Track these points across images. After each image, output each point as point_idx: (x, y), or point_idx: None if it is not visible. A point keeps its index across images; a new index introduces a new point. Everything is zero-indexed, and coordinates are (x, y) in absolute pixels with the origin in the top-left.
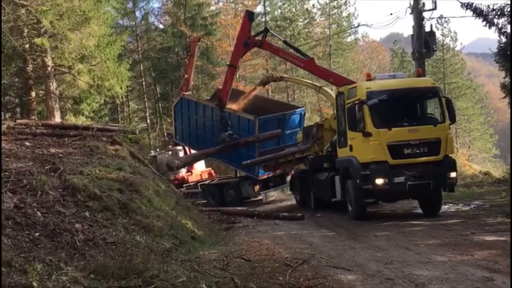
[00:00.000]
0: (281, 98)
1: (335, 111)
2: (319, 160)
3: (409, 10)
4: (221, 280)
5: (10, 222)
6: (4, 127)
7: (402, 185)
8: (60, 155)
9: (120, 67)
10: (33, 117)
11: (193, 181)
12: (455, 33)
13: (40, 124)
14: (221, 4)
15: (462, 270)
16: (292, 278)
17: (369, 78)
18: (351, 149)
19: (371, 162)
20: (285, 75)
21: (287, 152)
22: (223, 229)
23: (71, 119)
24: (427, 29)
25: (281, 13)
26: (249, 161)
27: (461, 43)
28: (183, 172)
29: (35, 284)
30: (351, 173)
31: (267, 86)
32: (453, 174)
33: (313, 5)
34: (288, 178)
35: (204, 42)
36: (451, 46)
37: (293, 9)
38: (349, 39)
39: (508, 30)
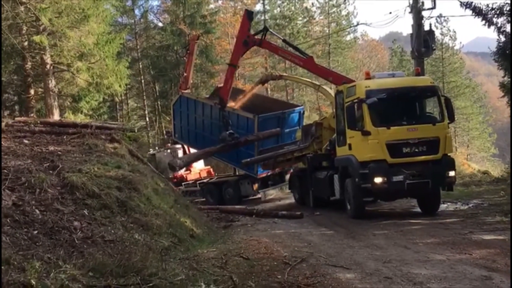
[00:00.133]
0: (280, 96)
1: (334, 110)
2: (318, 158)
3: (408, 9)
4: (219, 279)
5: (8, 220)
6: (2, 124)
7: (400, 184)
8: (59, 153)
9: (119, 65)
10: (31, 114)
11: (192, 179)
12: (454, 32)
13: (38, 121)
14: (220, 2)
15: (461, 269)
16: (291, 277)
17: (368, 77)
18: (350, 147)
19: (370, 161)
20: (284, 74)
21: (286, 150)
22: (222, 228)
23: (70, 117)
24: (426, 28)
25: (280, 11)
26: (248, 159)
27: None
28: (182, 170)
29: (33, 282)
30: (350, 172)
31: (266, 84)
32: (451, 173)
33: (312, 4)
34: (287, 176)
35: (203, 40)
36: (450, 45)
37: (292, 8)
38: (348, 38)
39: (507, 29)
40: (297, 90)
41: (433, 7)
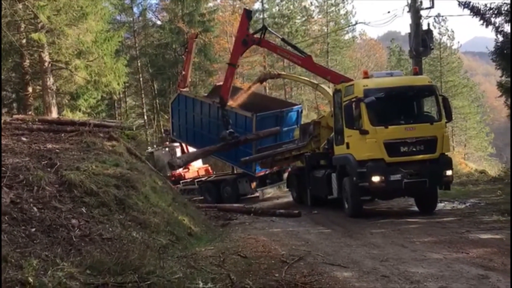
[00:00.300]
0: (279, 95)
1: (332, 109)
2: (316, 157)
3: (407, 8)
4: (217, 277)
5: (6, 218)
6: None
7: (398, 182)
8: (57, 150)
9: (118, 63)
10: (29, 112)
11: (190, 178)
12: (452, 31)
13: (36, 119)
14: (219, 0)
15: (457, 267)
16: (288, 275)
17: (366, 76)
18: (348, 146)
19: (368, 160)
20: (283, 72)
21: (284, 149)
22: (220, 226)
23: (68, 115)
24: (425, 27)
25: (279, 10)
26: (247, 157)
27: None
28: (180, 169)
29: (31, 279)
30: (347, 171)
31: (264, 83)
32: (449, 172)
33: (311, 3)
34: (285, 175)
35: (201, 38)
36: (448, 44)
37: (291, 7)
38: (346, 37)
39: (505, 29)
40: (295, 89)
41: (432, 7)
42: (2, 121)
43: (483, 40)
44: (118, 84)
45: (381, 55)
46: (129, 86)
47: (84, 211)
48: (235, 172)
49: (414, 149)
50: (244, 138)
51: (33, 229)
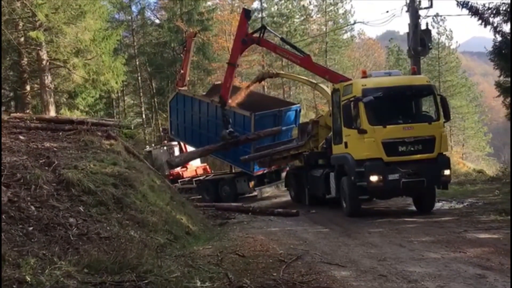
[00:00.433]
0: (277, 94)
1: (330, 108)
2: (314, 156)
3: (405, 8)
4: (215, 276)
5: (3, 216)
6: None
7: (396, 182)
8: (55, 149)
9: (116, 62)
10: (27, 111)
11: (188, 177)
12: (451, 31)
13: (34, 118)
14: None
15: (455, 267)
16: (286, 274)
17: (364, 75)
18: (346, 146)
19: (366, 159)
20: (281, 72)
21: (283, 148)
22: (218, 225)
23: (66, 113)
24: (423, 27)
25: (277, 9)
26: (246, 156)
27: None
28: (178, 168)
29: (28, 278)
30: (346, 170)
31: (263, 82)
32: (447, 172)
33: (309, 2)
34: (283, 174)
35: (200, 37)
36: (447, 44)
37: (290, 6)
38: (345, 36)
39: (503, 29)
40: (293, 88)
41: (430, 6)
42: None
43: (481, 40)
44: (116, 82)
45: (380, 55)
46: (127, 84)
47: (82, 210)
48: (233, 171)
49: (412, 149)
50: (245, 137)
51: (31, 228)
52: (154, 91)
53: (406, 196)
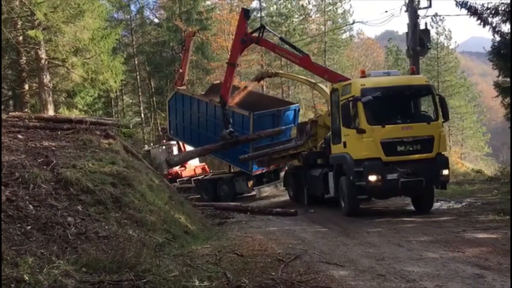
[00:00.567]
0: (276, 94)
1: (329, 108)
2: (312, 156)
3: (404, 8)
4: (213, 275)
5: (2, 215)
6: None
7: (395, 182)
8: (53, 148)
9: (115, 61)
10: (26, 110)
11: (187, 176)
12: (450, 31)
13: (33, 117)
14: None
15: (453, 266)
16: (285, 273)
17: (363, 75)
18: (344, 145)
19: (365, 159)
20: (280, 71)
21: (281, 148)
22: (216, 224)
23: (65, 113)
24: (422, 27)
25: (276, 9)
26: (246, 155)
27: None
28: (176, 167)
29: (26, 277)
30: (344, 170)
31: (261, 81)
32: (445, 172)
33: (308, 2)
34: (282, 174)
35: (199, 37)
36: (445, 44)
37: (289, 5)
38: (344, 36)
39: (502, 29)
40: (292, 88)
41: (429, 6)
42: None
43: (480, 40)
44: (115, 82)
45: (379, 55)
46: (126, 84)
47: (80, 209)
48: (232, 170)
49: (410, 149)
50: (245, 137)
51: (29, 227)
52: (153, 90)
53: (404, 196)
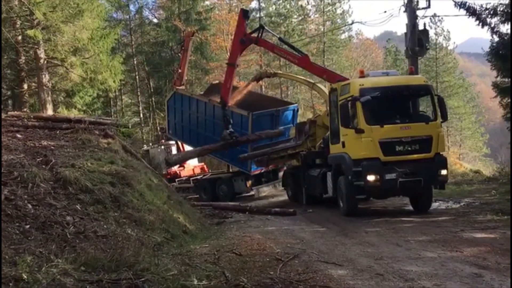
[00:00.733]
0: (275, 94)
1: (328, 108)
2: (311, 156)
3: (403, 8)
4: (212, 274)
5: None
6: None
7: (393, 182)
8: (52, 147)
9: (114, 61)
10: (25, 109)
11: (186, 176)
12: (448, 32)
13: (32, 116)
14: None
15: (452, 266)
16: (283, 273)
17: (362, 75)
18: (343, 145)
19: (363, 159)
20: (279, 71)
21: (280, 147)
22: (215, 224)
23: (64, 112)
24: (421, 27)
25: (275, 9)
26: (245, 154)
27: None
28: (175, 166)
29: (25, 276)
30: (343, 170)
31: (260, 82)
32: (444, 172)
33: (307, 2)
34: (281, 174)
35: (198, 37)
36: (444, 45)
37: (288, 6)
38: (343, 36)
39: (501, 30)
40: (291, 88)
41: (428, 7)
42: None
43: (479, 41)
44: (114, 81)
45: (377, 55)
46: (125, 84)
47: (79, 208)
48: (231, 170)
49: (409, 149)
50: (246, 138)
51: (28, 226)
52: (152, 90)
53: (403, 195)
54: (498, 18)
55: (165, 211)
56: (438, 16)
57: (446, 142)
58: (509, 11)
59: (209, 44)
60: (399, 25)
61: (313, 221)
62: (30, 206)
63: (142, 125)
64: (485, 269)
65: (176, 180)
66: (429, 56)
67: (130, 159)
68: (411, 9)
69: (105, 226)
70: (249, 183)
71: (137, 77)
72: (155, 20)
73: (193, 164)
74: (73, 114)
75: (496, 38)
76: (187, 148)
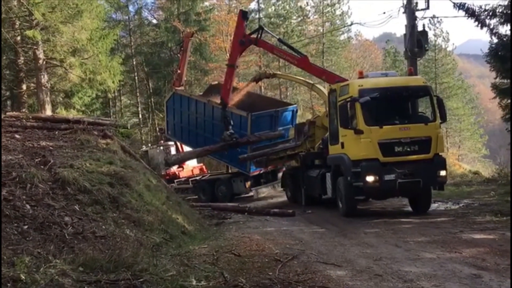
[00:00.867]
0: (274, 95)
1: (327, 109)
2: (310, 157)
3: (402, 10)
4: (210, 275)
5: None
6: None
7: (392, 182)
8: (51, 148)
9: (113, 61)
10: (23, 110)
11: (185, 177)
12: (447, 33)
13: (30, 117)
14: (215, 0)
15: (450, 267)
16: (282, 274)
17: (361, 76)
18: (342, 146)
19: (362, 160)
20: (278, 72)
21: (279, 148)
22: (214, 225)
23: (62, 113)
24: (420, 28)
25: (275, 10)
26: (245, 155)
27: (453, 44)
28: (174, 167)
29: (23, 276)
30: (342, 170)
31: (259, 82)
32: (443, 173)
33: (306, 3)
34: (280, 174)
35: (197, 37)
36: (443, 46)
37: (287, 7)
38: (342, 38)
39: (500, 31)
40: (290, 89)
41: (427, 8)
42: None
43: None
44: (113, 82)
45: (377, 56)
46: (124, 84)
47: (77, 209)
48: (230, 171)
49: (408, 149)
50: (246, 139)
51: (26, 226)
52: (151, 91)
53: (402, 196)
54: (497, 19)
55: (164, 211)
56: (437, 17)
57: (445, 143)
58: (508, 12)
59: (208, 45)
60: (398, 27)
61: (312, 221)
62: (28, 206)
63: (141, 125)
64: (484, 270)
65: (175, 180)
66: (428, 57)
67: (129, 160)
68: (410, 10)
69: (103, 227)
70: (248, 184)
71: (136, 77)
72: (154, 21)
73: (192, 165)
74: (72, 114)
75: (495, 40)
76: (186, 148)
